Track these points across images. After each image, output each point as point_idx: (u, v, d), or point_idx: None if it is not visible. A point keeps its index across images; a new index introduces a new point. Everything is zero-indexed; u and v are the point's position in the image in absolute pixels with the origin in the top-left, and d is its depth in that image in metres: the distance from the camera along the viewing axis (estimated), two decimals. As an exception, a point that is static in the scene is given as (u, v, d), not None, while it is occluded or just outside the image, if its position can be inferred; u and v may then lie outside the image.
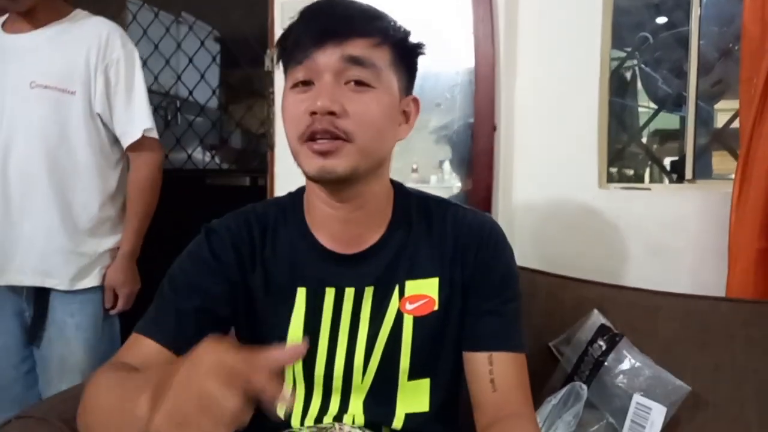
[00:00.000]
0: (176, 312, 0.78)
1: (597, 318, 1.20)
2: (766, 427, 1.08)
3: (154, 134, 1.53)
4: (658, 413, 1.05)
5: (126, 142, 1.50)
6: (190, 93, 2.49)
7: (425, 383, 0.83)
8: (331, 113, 0.72)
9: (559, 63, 1.53)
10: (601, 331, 1.17)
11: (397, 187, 0.89)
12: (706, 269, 1.40)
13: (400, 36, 0.79)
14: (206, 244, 0.83)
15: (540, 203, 1.55)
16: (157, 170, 1.56)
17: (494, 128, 1.56)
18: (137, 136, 1.49)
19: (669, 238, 1.46)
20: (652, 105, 1.90)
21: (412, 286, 0.82)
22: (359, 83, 0.75)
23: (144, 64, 2.42)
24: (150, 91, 2.51)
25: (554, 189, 1.54)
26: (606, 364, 1.13)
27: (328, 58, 0.74)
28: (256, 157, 2.54)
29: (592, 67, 1.51)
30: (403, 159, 1.70)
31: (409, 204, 0.87)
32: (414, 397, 0.82)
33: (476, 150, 1.57)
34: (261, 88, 2.56)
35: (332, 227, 0.83)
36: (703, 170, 1.66)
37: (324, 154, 0.74)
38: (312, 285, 0.82)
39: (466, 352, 0.83)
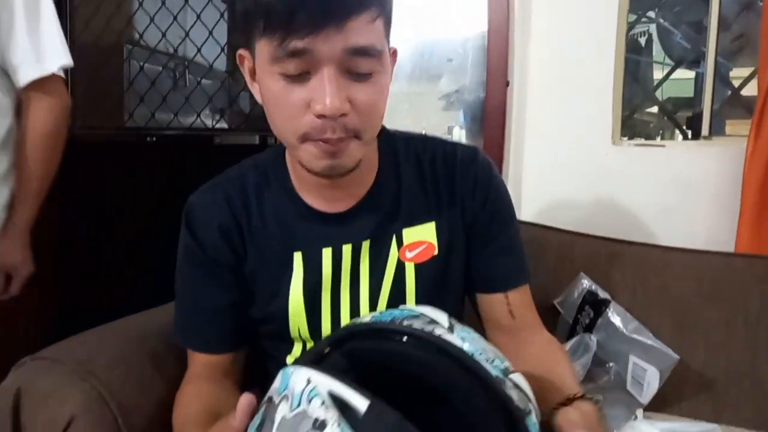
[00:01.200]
0: (198, 318, 0.81)
1: (583, 283, 1.19)
2: (777, 380, 1.08)
3: (62, 71, 1.19)
4: (653, 375, 1.06)
5: (23, 79, 1.14)
6: (198, 50, 2.46)
7: None
8: (342, 114, 0.65)
9: (575, 16, 1.50)
10: (588, 297, 1.16)
11: (380, 131, 0.82)
12: (719, 226, 1.39)
13: (390, 2, 0.70)
14: (190, 236, 0.80)
15: (552, 160, 1.54)
16: (63, 121, 1.21)
17: (507, 84, 1.53)
18: (39, 73, 1.15)
19: (682, 195, 1.44)
20: (669, 62, 1.86)
21: (410, 234, 0.80)
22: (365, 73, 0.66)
23: (151, 20, 2.39)
24: (157, 51, 2.49)
25: (567, 146, 1.52)
26: (596, 329, 1.13)
27: (330, 48, 0.63)
28: (265, 119, 2.51)
29: (609, 22, 1.47)
30: (412, 120, 1.68)
31: (396, 148, 0.83)
32: None
33: (488, 106, 1.55)
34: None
35: (321, 191, 0.79)
36: (718, 130, 1.64)
37: (333, 154, 0.68)
38: (307, 248, 0.79)
39: (481, 294, 0.83)
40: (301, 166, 0.72)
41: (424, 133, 0.87)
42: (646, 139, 2.04)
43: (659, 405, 1.08)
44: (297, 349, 0.82)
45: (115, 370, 0.81)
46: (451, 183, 0.81)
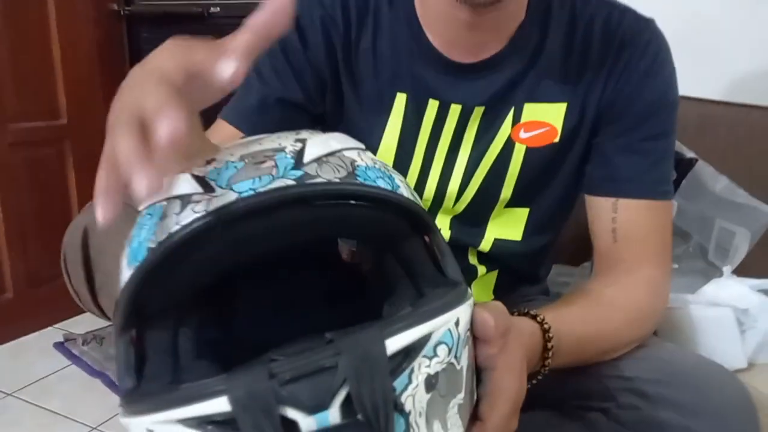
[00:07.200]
0: (259, 99, 0.69)
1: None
2: None
3: None
4: (742, 238, 0.96)
5: None
6: None
7: (523, 212, 0.73)
8: None
9: None
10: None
11: None
12: None
13: None
14: (294, 23, 0.68)
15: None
16: None
17: None
18: None
19: None
20: None
21: (532, 111, 0.68)
22: None
23: None
24: None
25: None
26: (679, 193, 1.03)
27: None
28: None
29: None
30: None
31: (550, 1, 0.68)
32: (507, 223, 0.73)
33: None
34: None
35: (451, 29, 0.66)
36: None
37: None
38: (414, 92, 0.69)
39: (589, 195, 0.70)
40: None
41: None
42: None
43: (744, 271, 0.99)
44: None
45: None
46: (604, 55, 0.66)
